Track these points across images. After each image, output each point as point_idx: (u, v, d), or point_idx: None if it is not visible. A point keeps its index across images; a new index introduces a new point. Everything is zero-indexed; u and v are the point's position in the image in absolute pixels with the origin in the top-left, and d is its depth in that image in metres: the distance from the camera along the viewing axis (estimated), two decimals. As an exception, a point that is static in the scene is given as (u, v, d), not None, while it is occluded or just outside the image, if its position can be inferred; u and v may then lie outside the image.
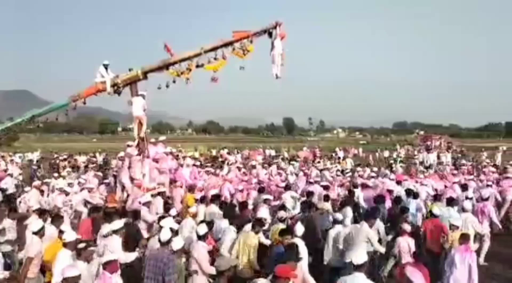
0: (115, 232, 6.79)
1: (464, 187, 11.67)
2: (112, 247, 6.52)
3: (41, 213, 8.47)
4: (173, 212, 8.25)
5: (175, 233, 6.62)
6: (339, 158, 33.77)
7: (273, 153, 40.38)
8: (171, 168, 12.72)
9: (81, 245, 6.00)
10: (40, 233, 6.70)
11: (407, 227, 7.62)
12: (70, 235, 6.19)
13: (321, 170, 17.11)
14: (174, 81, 12.31)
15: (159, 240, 6.08)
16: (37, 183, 11.22)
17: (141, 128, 12.15)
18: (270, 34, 12.16)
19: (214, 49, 11.96)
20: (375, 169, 17.39)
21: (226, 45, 11.93)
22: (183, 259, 6.51)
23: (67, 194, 10.76)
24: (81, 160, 28.80)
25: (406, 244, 7.45)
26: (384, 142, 78.03)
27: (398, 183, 12.06)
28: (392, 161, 27.79)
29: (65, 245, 6.09)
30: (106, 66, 12.09)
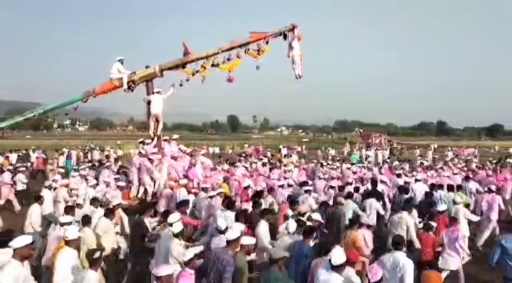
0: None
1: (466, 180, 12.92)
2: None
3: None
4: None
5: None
6: (285, 155, 34.48)
7: (217, 150, 40.64)
8: (184, 166, 12.69)
9: (97, 255, 5.20)
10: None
11: (365, 220, 7.87)
12: (73, 233, 5.66)
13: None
14: (187, 80, 12.34)
15: (218, 230, 6.14)
16: (65, 181, 10.77)
17: (158, 127, 12.02)
18: (285, 36, 12.54)
19: (231, 49, 12.13)
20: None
21: (242, 45, 12.15)
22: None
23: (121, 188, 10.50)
24: (13, 157, 26.62)
25: (362, 237, 7.33)
26: (325, 140, 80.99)
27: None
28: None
29: (67, 243, 5.59)
30: (121, 62, 11.80)
